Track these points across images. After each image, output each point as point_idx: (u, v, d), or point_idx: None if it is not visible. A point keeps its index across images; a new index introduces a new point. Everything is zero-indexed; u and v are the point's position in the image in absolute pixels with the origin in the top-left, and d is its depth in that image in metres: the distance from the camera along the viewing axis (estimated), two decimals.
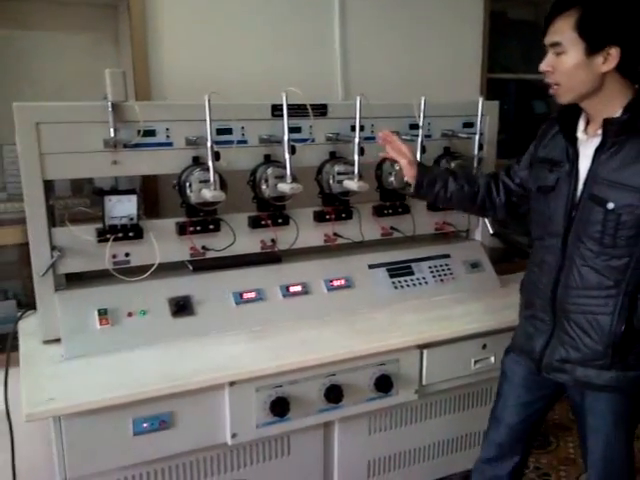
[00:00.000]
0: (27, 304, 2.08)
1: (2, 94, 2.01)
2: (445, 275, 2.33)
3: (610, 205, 1.47)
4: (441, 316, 2.11)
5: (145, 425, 1.65)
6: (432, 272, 2.32)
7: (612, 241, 1.49)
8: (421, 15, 2.66)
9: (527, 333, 1.72)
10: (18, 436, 1.98)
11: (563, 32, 1.45)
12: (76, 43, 2.29)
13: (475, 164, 2.26)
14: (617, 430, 1.64)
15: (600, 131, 1.49)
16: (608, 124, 1.47)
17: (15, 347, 1.87)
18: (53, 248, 1.79)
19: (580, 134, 1.57)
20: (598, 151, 1.50)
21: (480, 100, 2.23)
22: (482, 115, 2.24)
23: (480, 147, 2.27)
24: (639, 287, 1.51)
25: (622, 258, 1.49)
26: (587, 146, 1.54)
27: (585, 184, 1.53)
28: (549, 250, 1.61)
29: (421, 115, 2.09)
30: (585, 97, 1.50)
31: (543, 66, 1.52)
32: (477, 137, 2.25)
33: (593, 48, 1.43)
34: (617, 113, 1.48)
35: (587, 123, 1.57)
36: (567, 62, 1.46)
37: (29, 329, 1.94)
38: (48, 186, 1.77)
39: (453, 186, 1.85)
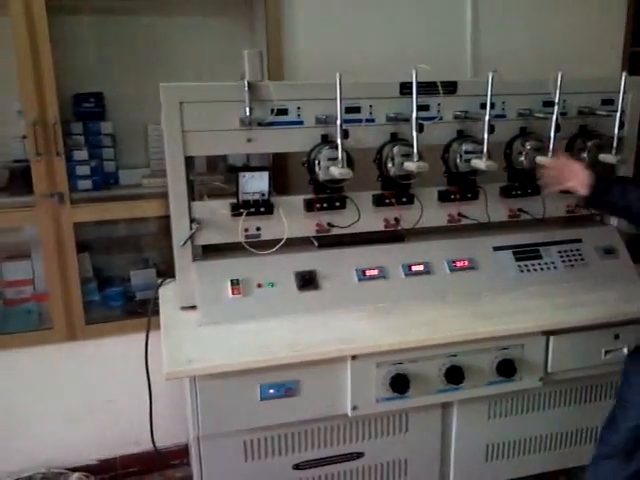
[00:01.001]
0: (165, 272, 2.23)
1: (146, 77, 2.15)
2: (576, 260, 2.23)
3: None
4: (570, 303, 2.02)
5: (271, 391, 1.73)
6: (562, 257, 2.23)
7: None
8: None
9: None
10: (155, 395, 2.15)
11: None
12: (213, 27, 2.40)
13: (614, 144, 2.12)
14: None
15: None
16: None
17: (155, 312, 2.02)
18: (192, 221, 1.91)
19: None
20: None
21: (623, 75, 2.08)
22: (624, 92, 2.09)
23: (621, 126, 2.12)
24: None
25: None
26: None
27: None
28: None
29: (557, 91, 1.99)
30: None
31: None
32: (618, 115, 2.11)
33: None
34: None
35: None
36: None
37: (168, 296, 2.08)
38: (189, 162, 1.89)
39: (634, 192, 1.72)
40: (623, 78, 2.08)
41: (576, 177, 1.82)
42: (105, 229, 2.41)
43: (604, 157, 2.11)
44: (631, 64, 2.65)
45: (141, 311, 2.27)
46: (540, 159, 2.02)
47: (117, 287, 2.42)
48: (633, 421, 1.72)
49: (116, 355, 2.34)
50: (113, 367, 2.36)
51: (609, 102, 2.17)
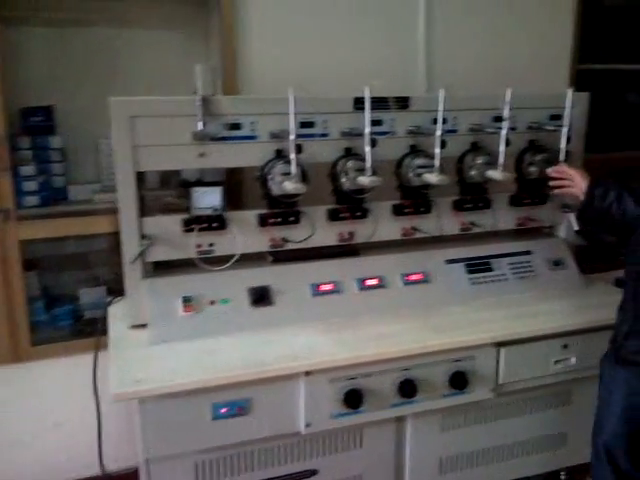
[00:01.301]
0: (116, 290, 2.18)
1: (97, 91, 2.11)
2: (526, 272, 2.27)
3: None
4: (520, 314, 2.06)
5: (223, 410, 1.71)
6: (512, 269, 2.27)
7: None
8: (509, 4, 2.58)
9: (617, 322, 1.75)
10: (104, 416, 2.10)
11: None
12: (168, 40, 2.37)
13: (562, 158, 2.18)
14: None
15: None
16: None
17: (104, 331, 1.97)
18: (143, 237, 1.88)
19: None
20: None
21: (569, 92, 2.14)
22: (571, 107, 2.15)
23: (568, 140, 2.18)
24: None
25: None
26: None
27: None
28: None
29: (507, 107, 2.04)
30: None
31: None
32: (565, 130, 2.17)
33: None
34: None
35: None
36: None
37: (118, 314, 2.03)
38: (140, 177, 1.86)
39: (628, 199, 1.78)
40: (569, 94, 2.14)
41: (576, 184, 1.94)
42: (54, 246, 2.34)
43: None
44: (577, 81, 2.73)
45: (90, 330, 2.21)
46: (548, 170, 2.11)
47: (66, 306, 2.35)
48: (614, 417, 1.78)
49: (64, 377, 2.27)
50: (61, 389, 2.29)
51: (557, 117, 2.23)
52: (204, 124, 1.80)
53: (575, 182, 1.96)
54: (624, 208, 1.78)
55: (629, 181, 1.86)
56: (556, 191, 2.10)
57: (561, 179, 2.05)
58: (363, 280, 2.09)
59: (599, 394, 1.88)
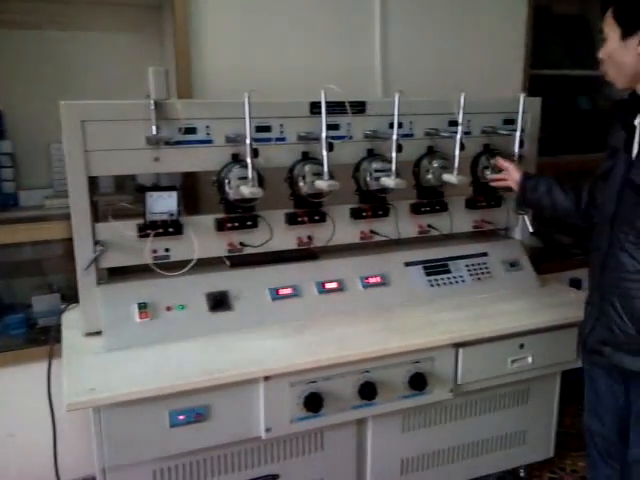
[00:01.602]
0: (70, 297, 2.13)
1: (49, 94, 2.06)
2: (482, 274, 2.31)
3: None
4: (477, 315, 2.09)
5: (181, 417, 1.69)
6: (469, 270, 2.30)
7: None
8: (463, 10, 2.63)
9: (584, 318, 1.80)
10: (59, 426, 2.05)
11: (606, 21, 1.62)
12: (121, 44, 2.35)
13: (516, 161, 2.22)
14: None
15: None
16: None
17: (58, 339, 1.93)
18: (96, 243, 1.84)
19: (637, 120, 1.63)
20: None
21: (522, 97, 2.19)
22: (523, 112, 2.20)
23: (521, 144, 2.23)
24: None
25: None
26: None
27: (628, 169, 1.61)
28: (600, 235, 1.70)
29: (460, 112, 2.07)
30: (634, 81, 1.62)
31: (599, 54, 1.67)
32: (518, 134, 2.21)
33: (627, 31, 1.57)
34: None
35: None
36: (608, 47, 1.62)
37: (72, 322, 1.99)
38: (92, 182, 1.82)
39: (557, 191, 1.95)
40: (522, 99, 2.19)
41: (511, 177, 2.08)
42: (5, 253, 2.28)
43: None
44: (530, 86, 2.79)
45: (44, 339, 2.16)
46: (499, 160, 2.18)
47: (18, 314, 2.29)
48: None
49: (16, 386, 2.21)
50: (14, 399, 2.22)
51: (510, 122, 2.28)
52: (158, 128, 1.78)
53: (510, 175, 2.10)
54: (554, 200, 1.95)
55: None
56: (493, 184, 2.21)
57: (500, 175, 2.16)
58: (322, 283, 2.09)
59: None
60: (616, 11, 1.60)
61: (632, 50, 1.57)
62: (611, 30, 1.60)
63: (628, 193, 1.60)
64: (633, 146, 1.62)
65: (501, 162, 2.15)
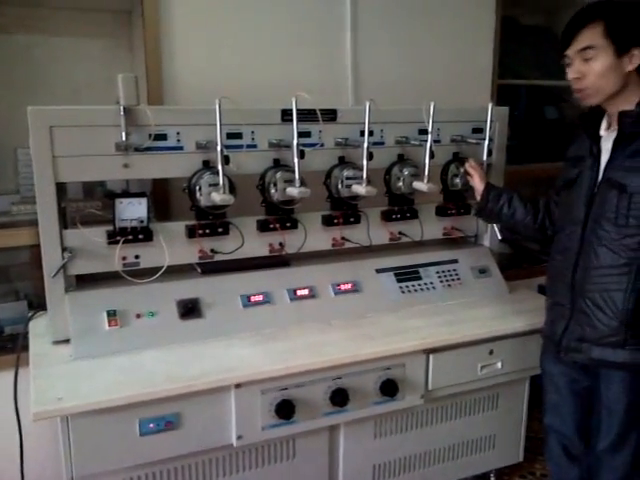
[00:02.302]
0: (38, 305, 2.10)
1: (17, 99, 2.04)
2: (453, 280, 2.34)
3: (624, 187, 1.61)
4: (448, 321, 2.11)
5: (151, 426, 1.67)
6: (440, 277, 2.33)
7: (625, 221, 1.61)
8: (432, 21, 2.67)
9: (551, 320, 1.85)
10: (27, 435, 2.01)
11: (591, 39, 1.60)
12: (91, 49, 2.32)
13: (484, 169, 2.26)
14: (633, 412, 1.72)
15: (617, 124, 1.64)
16: (624, 116, 1.62)
17: (25, 347, 1.89)
18: (64, 250, 1.82)
19: (603, 132, 1.72)
20: (616, 142, 1.65)
21: (490, 106, 2.23)
22: (492, 121, 2.24)
23: (489, 153, 2.27)
24: None
25: (634, 237, 1.61)
26: (607, 140, 1.69)
27: (604, 172, 1.67)
28: (570, 237, 1.76)
29: (430, 120, 2.10)
30: (611, 97, 1.65)
31: (572, 74, 1.66)
32: (486, 143, 2.26)
33: (621, 51, 1.59)
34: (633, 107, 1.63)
35: (609, 122, 1.72)
36: (598, 66, 1.61)
37: (39, 330, 1.96)
38: (60, 188, 1.80)
39: (517, 203, 2.03)
40: (490, 108, 2.23)
41: (476, 186, 2.16)
42: None
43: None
44: (498, 95, 2.84)
45: (11, 347, 2.11)
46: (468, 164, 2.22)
47: None
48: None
49: None
50: None
51: (479, 130, 2.31)
52: (127, 134, 1.77)
53: (475, 183, 2.16)
54: (513, 210, 2.04)
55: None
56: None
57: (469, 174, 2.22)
58: (294, 290, 2.09)
59: None
60: (609, 30, 1.58)
61: (622, 69, 1.60)
62: (602, 49, 1.59)
63: (604, 194, 1.66)
64: (602, 153, 1.70)
65: (469, 167, 2.20)
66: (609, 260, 1.66)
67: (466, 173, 2.22)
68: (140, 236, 1.87)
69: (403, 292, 2.25)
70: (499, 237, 2.39)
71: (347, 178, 2.08)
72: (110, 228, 1.84)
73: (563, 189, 1.85)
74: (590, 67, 1.62)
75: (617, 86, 1.63)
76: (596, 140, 1.73)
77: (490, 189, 2.10)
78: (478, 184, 2.14)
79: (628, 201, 1.61)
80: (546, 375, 1.96)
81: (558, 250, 1.84)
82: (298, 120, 1.92)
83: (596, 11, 1.61)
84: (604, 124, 1.74)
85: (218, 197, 1.84)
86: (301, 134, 1.95)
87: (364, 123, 2.02)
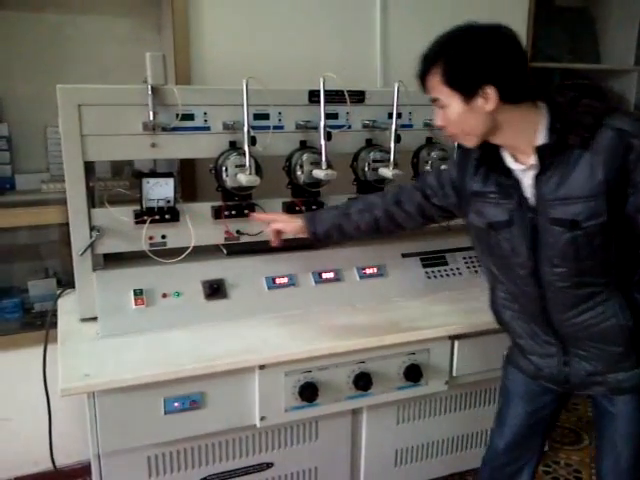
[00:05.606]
0: (66, 283, 2.13)
1: (47, 78, 2.05)
2: (479, 266, 2.30)
3: (576, 222, 1.38)
4: (474, 308, 2.07)
5: (176, 404, 1.69)
6: (467, 263, 2.30)
7: (585, 254, 1.41)
8: (464, 2, 2.60)
9: (537, 356, 1.64)
10: (55, 411, 2.05)
11: (435, 88, 1.40)
12: (119, 28, 2.33)
13: None
14: None
15: (534, 158, 1.40)
16: (541, 151, 1.38)
17: (54, 324, 1.92)
18: (92, 228, 1.83)
19: (513, 165, 1.46)
20: (538, 177, 1.41)
21: None
22: None
23: None
24: (626, 284, 1.46)
25: (597, 267, 1.43)
26: (526, 175, 1.44)
27: (538, 211, 1.44)
28: (523, 282, 1.53)
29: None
30: (490, 135, 1.42)
31: (437, 122, 1.46)
32: None
33: (468, 94, 1.36)
34: (539, 137, 1.39)
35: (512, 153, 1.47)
36: (452, 114, 1.39)
37: (68, 307, 1.99)
38: (89, 167, 1.81)
39: (348, 227, 1.79)
40: None
41: (287, 226, 1.85)
42: (1, 237, 2.27)
43: None
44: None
45: (40, 323, 2.15)
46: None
47: (13, 298, 2.29)
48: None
49: (12, 370, 2.20)
50: (9, 383, 2.22)
51: None
52: (155, 114, 1.77)
53: (284, 224, 1.87)
54: (350, 233, 1.82)
55: None
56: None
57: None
58: (319, 273, 2.08)
59: None
60: (446, 76, 1.36)
61: (480, 110, 1.36)
62: (447, 97, 1.38)
63: (551, 232, 1.42)
64: (524, 190, 1.45)
65: (259, 218, 1.94)
66: (580, 297, 1.46)
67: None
68: (167, 216, 1.87)
69: (429, 277, 2.22)
70: None
71: (374, 161, 2.06)
72: (137, 208, 1.85)
73: (488, 229, 1.55)
74: (446, 115, 1.41)
75: (486, 127, 1.39)
76: (507, 174, 1.46)
77: (312, 226, 1.81)
78: (289, 223, 1.84)
79: (584, 233, 1.38)
80: (506, 389, 1.80)
81: (514, 294, 1.59)
82: (325, 101, 1.90)
83: (435, 53, 1.39)
84: (507, 156, 1.46)
85: (244, 178, 1.83)
86: (328, 115, 1.93)
87: (392, 105, 1.99)
